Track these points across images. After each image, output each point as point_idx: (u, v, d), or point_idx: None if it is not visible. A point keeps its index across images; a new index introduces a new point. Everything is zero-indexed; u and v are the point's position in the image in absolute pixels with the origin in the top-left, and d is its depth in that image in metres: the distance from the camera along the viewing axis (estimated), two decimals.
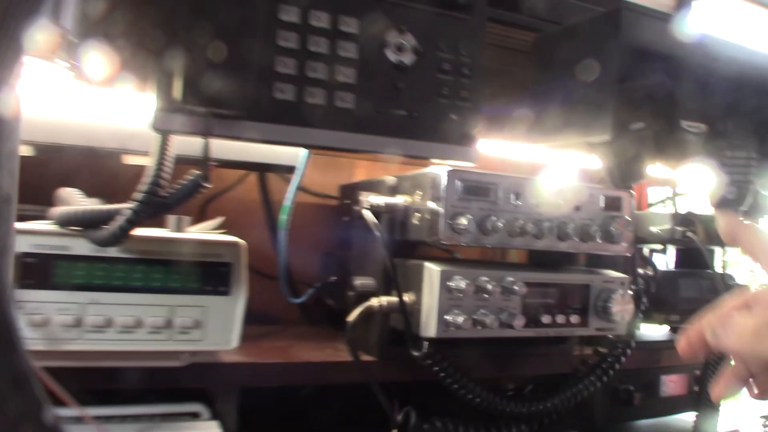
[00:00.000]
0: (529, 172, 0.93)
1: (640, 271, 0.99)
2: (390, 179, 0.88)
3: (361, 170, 1.22)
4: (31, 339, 0.65)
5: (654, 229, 1.03)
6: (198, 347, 0.73)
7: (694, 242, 1.01)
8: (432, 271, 0.78)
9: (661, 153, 0.98)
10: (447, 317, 0.77)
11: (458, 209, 0.78)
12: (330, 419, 0.87)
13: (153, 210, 0.64)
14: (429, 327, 0.78)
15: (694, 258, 1.10)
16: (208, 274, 0.73)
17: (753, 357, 0.59)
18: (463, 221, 0.77)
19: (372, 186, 0.91)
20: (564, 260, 0.95)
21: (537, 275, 0.84)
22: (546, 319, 0.83)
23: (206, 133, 0.60)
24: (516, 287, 0.80)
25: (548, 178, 0.85)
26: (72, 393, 0.56)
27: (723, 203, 1.02)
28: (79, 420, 0.63)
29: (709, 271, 1.08)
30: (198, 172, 0.64)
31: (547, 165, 1.20)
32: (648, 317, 1.04)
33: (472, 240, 0.79)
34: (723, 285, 1.06)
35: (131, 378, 0.72)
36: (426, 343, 0.79)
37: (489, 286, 0.78)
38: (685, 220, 1.04)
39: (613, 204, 0.89)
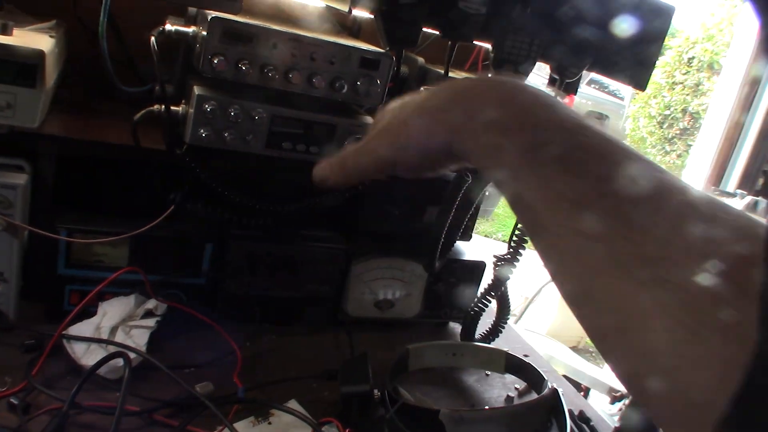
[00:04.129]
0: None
1: None
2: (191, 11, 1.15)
3: None
4: None
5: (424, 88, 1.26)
6: (10, 122, 1.05)
7: None
8: (194, 93, 1.07)
9: (437, 27, 1.20)
10: (200, 130, 1.08)
11: (218, 50, 1.05)
12: (125, 189, 1.21)
13: None
14: (186, 134, 1.09)
15: None
16: (19, 70, 1.03)
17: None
18: (216, 61, 1.05)
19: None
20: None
21: (288, 111, 1.12)
22: (287, 145, 1.13)
23: None
24: (257, 117, 1.09)
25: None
26: None
27: None
28: None
29: None
30: None
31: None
32: None
33: (231, 76, 1.07)
34: None
35: None
36: (185, 146, 1.11)
37: (233, 113, 1.08)
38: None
39: (369, 64, 1.14)
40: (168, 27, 1.11)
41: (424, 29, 1.19)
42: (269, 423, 1.07)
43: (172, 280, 1.22)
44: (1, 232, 1.07)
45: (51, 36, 1.14)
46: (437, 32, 1.20)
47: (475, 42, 1.39)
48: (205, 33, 1.05)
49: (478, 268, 1.48)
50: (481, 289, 1.41)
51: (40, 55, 1.04)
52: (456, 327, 1.54)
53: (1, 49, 1.02)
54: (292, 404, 1.12)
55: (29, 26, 1.14)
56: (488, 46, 1.27)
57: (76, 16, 1.26)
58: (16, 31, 1.07)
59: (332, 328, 1.38)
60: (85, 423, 0.98)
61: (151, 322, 1.15)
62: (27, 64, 1.03)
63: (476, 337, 1.44)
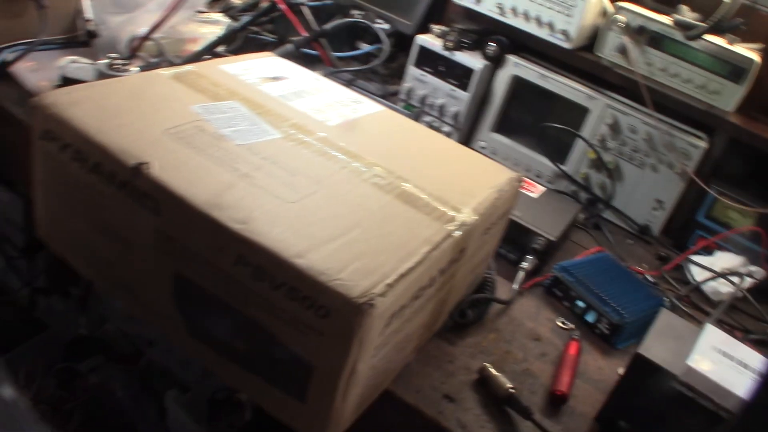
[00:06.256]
0: None
1: None
2: None
3: None
4: None
5: None
6: (712, 102, 1.51)
7: None
8: None
9: None
10: None
11: None
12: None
13: None
14: None
15: None
16: (732, 69, 1.48)
17: None
18: None
19: None
20: None
21: None
22: None
23: None
24: None
25: None
26: None
27: None
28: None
29: None
30: None
31: None
32: None
33: None
34: None
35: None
36: None
37: None
38: None
39: None
40: None
41: None
42: None
43: None
44: (675, 174, 1.56)
45: (758, 52, 1.55)
46: None
47: None
48: None
49: None
50: None
51: (751, 61, 1.47)
52: None
53: (725, 51, 1.48)
54: None
55: (745, 44, 1.58)
56: None
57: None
58: (735, 46, 1.52)
59: None
60: None
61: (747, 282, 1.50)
62: (739, 66, 1.48)
63: None
